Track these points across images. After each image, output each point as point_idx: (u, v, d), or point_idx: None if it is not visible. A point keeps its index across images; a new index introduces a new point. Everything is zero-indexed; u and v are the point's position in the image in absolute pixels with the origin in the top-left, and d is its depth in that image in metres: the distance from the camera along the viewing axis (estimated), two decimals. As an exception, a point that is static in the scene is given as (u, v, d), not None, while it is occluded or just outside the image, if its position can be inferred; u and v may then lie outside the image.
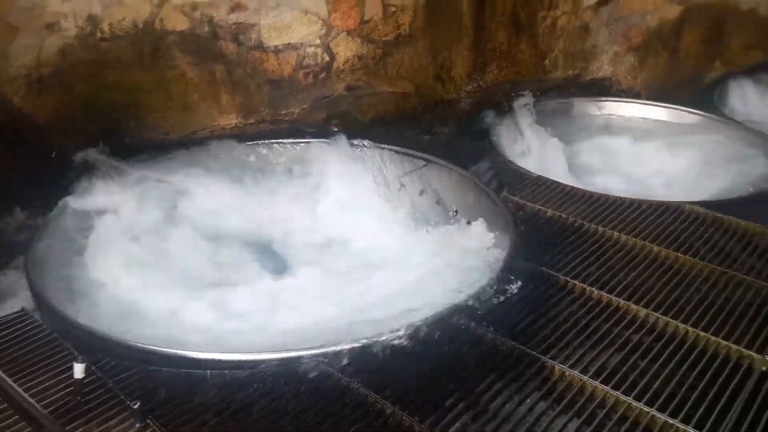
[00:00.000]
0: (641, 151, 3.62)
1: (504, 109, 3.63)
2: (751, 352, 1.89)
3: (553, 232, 2.57)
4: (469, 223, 2.68)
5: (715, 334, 1.97)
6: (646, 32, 3.79)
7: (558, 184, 2.94)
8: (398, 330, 1.84)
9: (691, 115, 3.77)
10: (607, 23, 3.68)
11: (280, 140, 3.15)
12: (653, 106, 3.86)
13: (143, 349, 1.82)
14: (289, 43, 2.98)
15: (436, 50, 3.31)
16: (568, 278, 2.25)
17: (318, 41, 3.03)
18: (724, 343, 1.93)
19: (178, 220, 2.68)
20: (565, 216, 2.66)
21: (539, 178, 3.00)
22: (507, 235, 2.49)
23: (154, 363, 1.81)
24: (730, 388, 1.78)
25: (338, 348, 1.80)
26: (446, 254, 2.43)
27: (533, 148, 3.55)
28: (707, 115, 3.73)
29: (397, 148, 3.17)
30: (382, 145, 3.15)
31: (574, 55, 3.69)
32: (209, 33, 2.82)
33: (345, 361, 1.80)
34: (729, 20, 4.02)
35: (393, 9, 3.11)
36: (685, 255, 2.38)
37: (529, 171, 3.09)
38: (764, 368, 1.83)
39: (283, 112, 3.13)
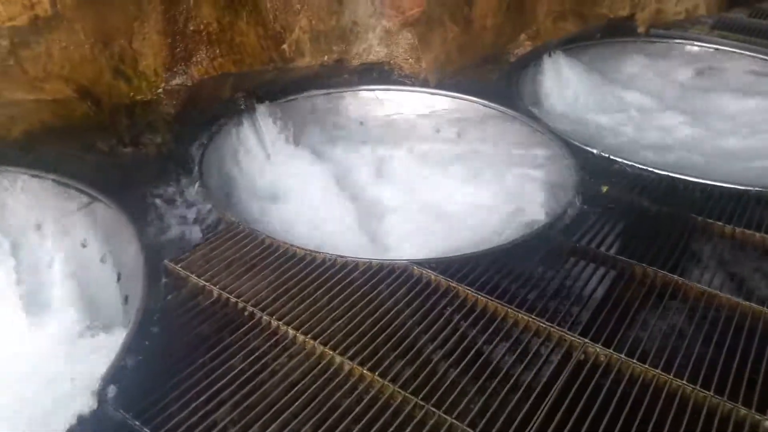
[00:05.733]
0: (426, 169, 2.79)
1: (239, 108, 2.73)
2: None
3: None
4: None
5: None
6: (426, 0, 2.93)
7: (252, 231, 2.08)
8: None
9: (487, 109, 2.99)
10: (370, -9, 2.79)
11: None
12: (438, 96, 3.06)
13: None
14: None
15: (107, 35, 2.32)
16: None
17: None
18: None
19: None
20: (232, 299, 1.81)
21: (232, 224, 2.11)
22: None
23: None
24: None
25: None
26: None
27: (277, 160, 2.69)
28: (507, 111, 2.94)
29: (52, 177, 2.26)
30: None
31: (327, 36, 2.79)
32: None
33: None
34: (535, -16, 3.22)
35: (17, -19, 2.09)
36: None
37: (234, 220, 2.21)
38: None
39: None
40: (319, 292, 1.81)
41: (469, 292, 1.84)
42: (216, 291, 1.80)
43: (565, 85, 3.34)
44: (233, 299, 1.77)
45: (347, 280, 1.86)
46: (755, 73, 3.57)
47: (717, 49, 3.72)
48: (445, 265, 1.94)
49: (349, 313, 1.74)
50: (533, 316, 1.77)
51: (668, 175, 2.53)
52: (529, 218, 2.29)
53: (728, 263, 2.06)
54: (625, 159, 2.60)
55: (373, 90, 3.07)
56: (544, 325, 1.75)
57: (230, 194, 2.45)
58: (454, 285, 1.87)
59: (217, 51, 2.53)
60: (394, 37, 2.97)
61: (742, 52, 3.69)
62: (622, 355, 1.66)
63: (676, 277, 1.96)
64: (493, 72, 3.35)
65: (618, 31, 3.72)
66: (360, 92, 3.05)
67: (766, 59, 3.62)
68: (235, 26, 2.54)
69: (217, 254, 1.95)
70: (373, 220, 2.48)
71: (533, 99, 3.26)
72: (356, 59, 2.96)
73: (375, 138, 2.93)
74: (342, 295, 1.80)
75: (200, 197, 2.28)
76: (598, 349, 1.68)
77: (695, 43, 3.76)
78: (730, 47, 3.73)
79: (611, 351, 1.67)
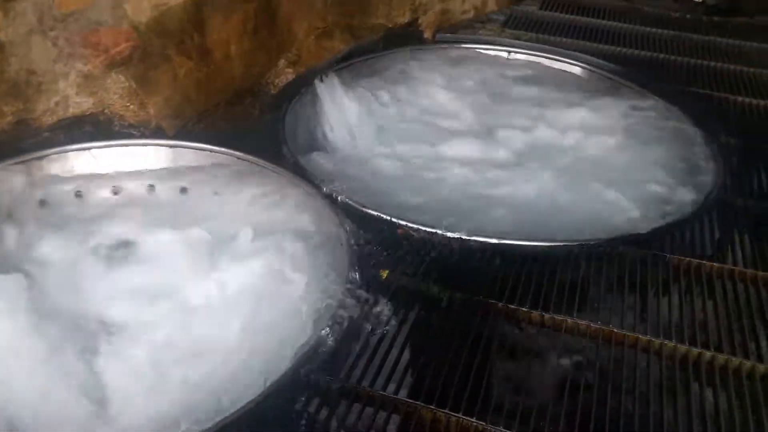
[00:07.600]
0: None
1: None
2: None
3: None
4: None
5: None
6: (136, 33, 2.18)
7: None
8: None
9: (240, 162, 2.34)
10: (46, 31, 1.99)
11: None
12: (176, 148, 2.35)
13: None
14: None
15: None
16: None
17: None
18: None
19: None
20: None
21: None
22: None
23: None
24: None
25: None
26: None
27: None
28: (266, 164, 2.30)
29: None
30: None
31: (-15, 95, 1.98)
32: None
33: None
34: (284, -2, 2.58)
35: None
36: None
37: None
38: None
39: None
40: None
41: None
42: None
43: (343, 116, 2.76)
44: None
45: None
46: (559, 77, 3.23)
47: (509, 52, 3.35)
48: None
49: None
50: None
51: (459, 238, 2.04)
52: (285, 337, 1.68)
53: (538, 385, 1.60)
54: (408, 221, 2.08)
55: (85, 150, 2.27)
56: None
57: None
58: None
59: None
60: (100, 81, 2.20)
61: (533, 53, 3.35)
62: None
63: (474, 421, 1.45)
64: (254, 107, 2.70)
65: (402, 41, 3.21)
66: (43, 159, 2.18)
67: (562, 60, 3.30)
68: None
69: None
70: (84, 370, 1.73)
71: (305, 138, 2.66)
72: (49, 116, 2.15)
73: (70, 225, 2.08)
74: None
75: None
76: None
77: (485, 47, 3.35)
78: (523, 48, 3.38)
79: None
